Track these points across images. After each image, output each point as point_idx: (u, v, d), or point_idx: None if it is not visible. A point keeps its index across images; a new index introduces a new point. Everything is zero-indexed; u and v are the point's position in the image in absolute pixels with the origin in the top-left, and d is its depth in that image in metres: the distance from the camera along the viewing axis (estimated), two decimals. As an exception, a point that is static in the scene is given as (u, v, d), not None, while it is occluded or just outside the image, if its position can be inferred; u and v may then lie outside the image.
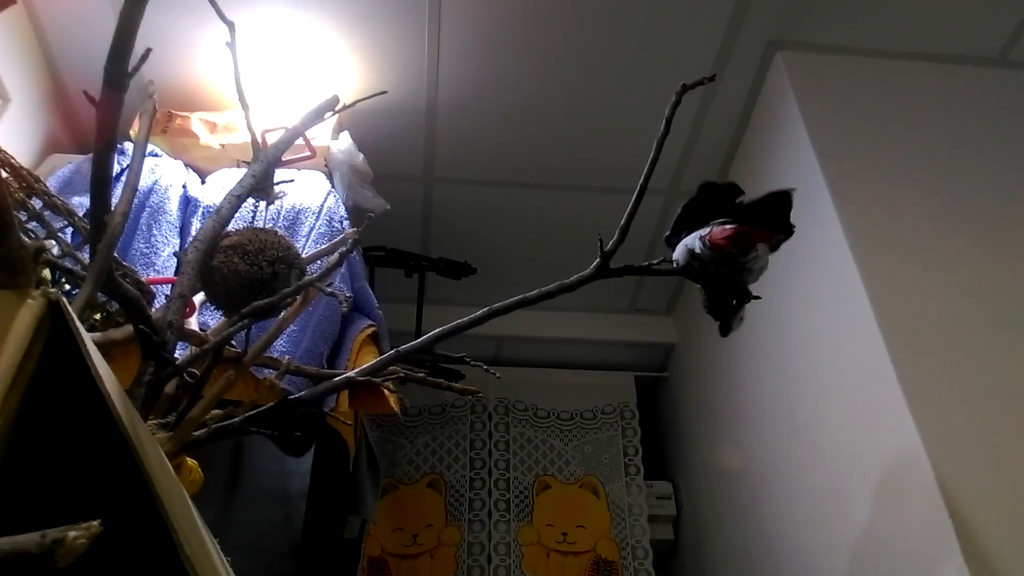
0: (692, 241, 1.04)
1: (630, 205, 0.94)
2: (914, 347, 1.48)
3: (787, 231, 1.04)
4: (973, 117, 1.90)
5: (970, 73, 1.99)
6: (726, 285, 1.06)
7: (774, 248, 1.05)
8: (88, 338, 0.57)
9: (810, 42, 1.97)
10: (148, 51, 0.73)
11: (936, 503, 1.29)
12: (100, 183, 0.72)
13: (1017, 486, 1.32)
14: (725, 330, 1.08)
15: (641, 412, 2.75)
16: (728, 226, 1.00)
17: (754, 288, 1.07)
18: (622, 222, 0.94)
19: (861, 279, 1.57)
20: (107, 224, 0.73)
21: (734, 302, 1.06)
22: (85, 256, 0.90)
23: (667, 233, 1.09)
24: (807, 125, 1.83)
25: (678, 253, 1.07)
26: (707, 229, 1.03)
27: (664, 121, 0.92)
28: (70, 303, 0.58)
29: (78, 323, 0.56)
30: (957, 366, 1.47)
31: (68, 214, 0.98)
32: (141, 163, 0.89)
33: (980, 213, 1.71)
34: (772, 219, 1.03)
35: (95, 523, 0.39)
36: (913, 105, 1.91)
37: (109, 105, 0.68)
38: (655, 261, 1.00)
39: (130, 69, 0.67)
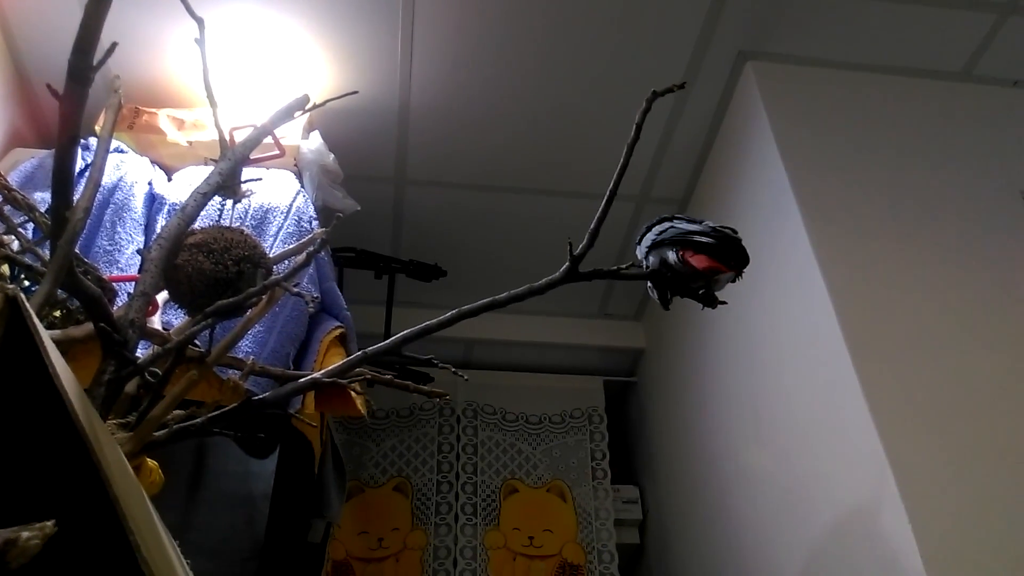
0: (666, 251, 1.05)
1: (600, 210, 0.94)
2: (877, 356, 1.50)
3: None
4: (938, 130, 1.94)
5: (935, 87, 2.03)
6: (693, 293, 1.08)
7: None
8: (46, 335, 0.56)
9: (780, 53, 2.00)
10: (114, 45, 0.72)
11: (897, 509, 1.31)
12: (62, 178, 0.71)
13: (975, 493, 1.35)
14: (666, 305, 1.10)
15: (609, 416, 2.76)
16: (703, 257, 1.02)
17: (721, 294, 1.08)
18: (592, 226, 0.95)
19: (827, 288, 1.59)
20: (68, 219, 0.72)
21: (701, 307, 1.08)
22: (46, 252, 0.88)
23: (642, 244, 1.11)
24: (775, 135, 1.86)
25: (651, 259, 1.08)
26: (681, 245, 1.05)
27: (634, 127, 0.93)
28: (29, 299, 0.57)
29: (36, 320, 0.55)
30: (919, 375, 1.49)
31: (28, 209, 0.96)
32: (105, 158, 0.87)
33: (944, 224, 1.74)
34: (736, 258, 1.06)
35: (49, 524, 0.38)
36: (879, 116, 1.94)
37: (73, 99, 0.67)
38: (624, 265, 1.00)
39: (95, 63, 0.66)
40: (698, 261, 1.02)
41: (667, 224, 1.10)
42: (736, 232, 1.07)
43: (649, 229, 1.11)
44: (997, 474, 1.37)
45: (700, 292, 1.07)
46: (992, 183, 1.84)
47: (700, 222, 1.09)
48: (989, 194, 1.82)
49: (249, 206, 1.67)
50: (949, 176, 1.84)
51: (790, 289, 1.74)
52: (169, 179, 1.80)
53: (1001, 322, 1.60)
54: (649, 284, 1.10)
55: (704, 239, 1.03)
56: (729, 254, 1.05)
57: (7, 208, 0.99)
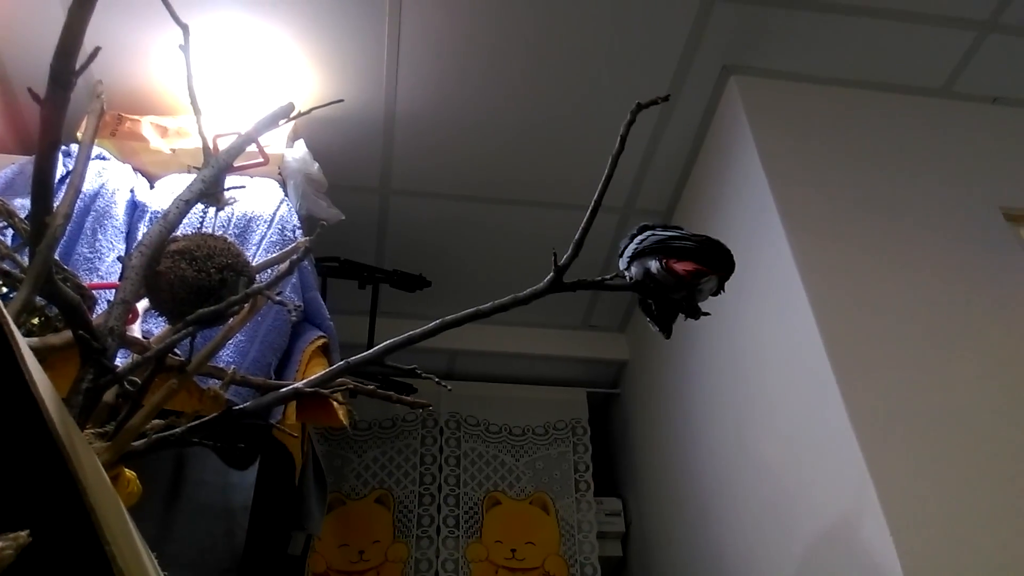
0: (650, 261, 1.05)
1: (584, 221, 0.94)
2: (858, 367, 1.51)
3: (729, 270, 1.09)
4: (918, 145, 1.96)
5: (916, 103, 2.06)
6: (676, 303, 1.08)
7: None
8: (24, 342, 0.55)
9: (763, 68, 2.02)
10: (97, 50, 0.72)
11: (878, 519, 1.32)
12: (42, 183, 0.70)
13: (955, 503, 1.36)
14: (668, 332, 1.11)
15: (592, 428, 2.76)
16: (688, 262, 1.02)
17: (705, 307, 1.09)
18: (576, 237, 0.95)
19: (808, 300, 1.60)
20: (48, 226, 0.71)
21: (684, 318, 1.08)
22: (25, 259, 0.87)
23: (624, 255, 1.11)
24: (758, 148, 1.87)
25: (633, 270, 1.08)
26: (663, 252, 1.05)
27: (619, 138, 0.93)
28: (7, 306, 0.56)
29: (13, 327, 0.54)
30: (899, 387, 1.50)
31: (8, 215, 0.95)
32: (86, 165, 0.86)
33: (924, 237, 1.76)
34: (719, 262, 1.07)
35: (24, 533, 0.38)
36: (861, 131, 1.96)
37: (54, 104, 0.66)
38: (608, 276, 1.00)
39: (78, 68, 0.66)
40: (681, 267, 1.02)
41: (648, 233, 1.10)
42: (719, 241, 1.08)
43: (631, 239, 1.12)
44: (977, 484, 1.38)
45: (682, 303, 1.07)
46: (972, 198, 1.86)
47: (680, 229, 1.10)
48: (969, 208, 1.84)
49: (232, 214, 1.66)
50: (930, 190, 1.86)
51: (772, 301, 1.75)
52: (151, 186, 1.79)
53: (980, 334, 1.61)
54: (649, 320, 1.10)
55: (685, 243, 1.04)
56: (712, 259, 1.05)
57: (-15, 214, 0.98)
